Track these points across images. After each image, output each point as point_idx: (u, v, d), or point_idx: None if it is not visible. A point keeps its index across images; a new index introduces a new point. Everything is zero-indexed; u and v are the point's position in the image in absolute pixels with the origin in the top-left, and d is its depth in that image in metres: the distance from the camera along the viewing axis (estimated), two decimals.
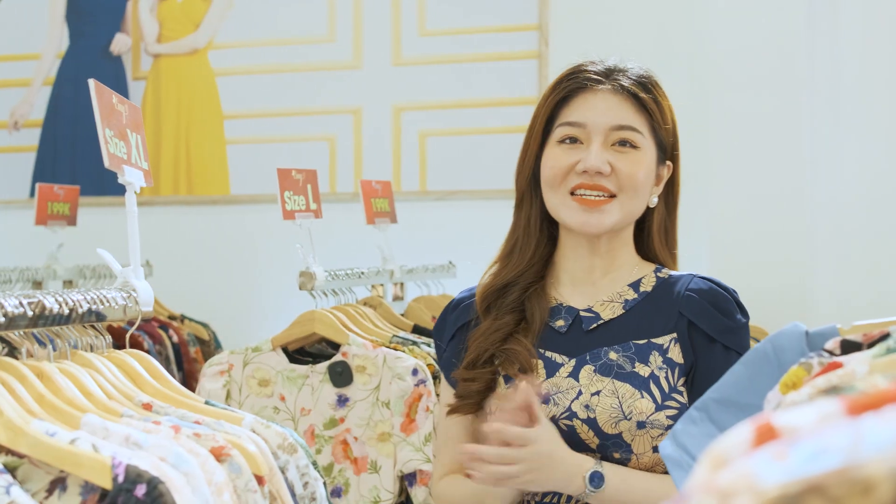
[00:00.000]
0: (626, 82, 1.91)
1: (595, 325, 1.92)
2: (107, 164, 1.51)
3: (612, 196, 1.89)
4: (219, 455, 1.29)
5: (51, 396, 1.31)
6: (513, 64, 4.19)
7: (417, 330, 2.96)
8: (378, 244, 3.23)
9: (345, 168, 4.33)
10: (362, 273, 2.98)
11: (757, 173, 3.86)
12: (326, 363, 2.63)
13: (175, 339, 3.58)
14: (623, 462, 1.85)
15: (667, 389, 1.84)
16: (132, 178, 1.57)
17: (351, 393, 2.61)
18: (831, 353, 1.20)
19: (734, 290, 1.91)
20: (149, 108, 4.54)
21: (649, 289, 1.94)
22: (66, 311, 1.39)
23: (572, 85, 1.94)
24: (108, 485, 1.15)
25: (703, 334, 1.86)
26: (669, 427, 1.82)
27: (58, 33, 4.64)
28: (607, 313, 1.93)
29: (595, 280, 1.97)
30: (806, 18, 3.86)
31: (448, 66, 4.26)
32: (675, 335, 1.87)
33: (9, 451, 1.23)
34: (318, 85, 4.39)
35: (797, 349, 1.31)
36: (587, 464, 1.80)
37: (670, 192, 2.01)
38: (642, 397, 1.82)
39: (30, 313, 1.32)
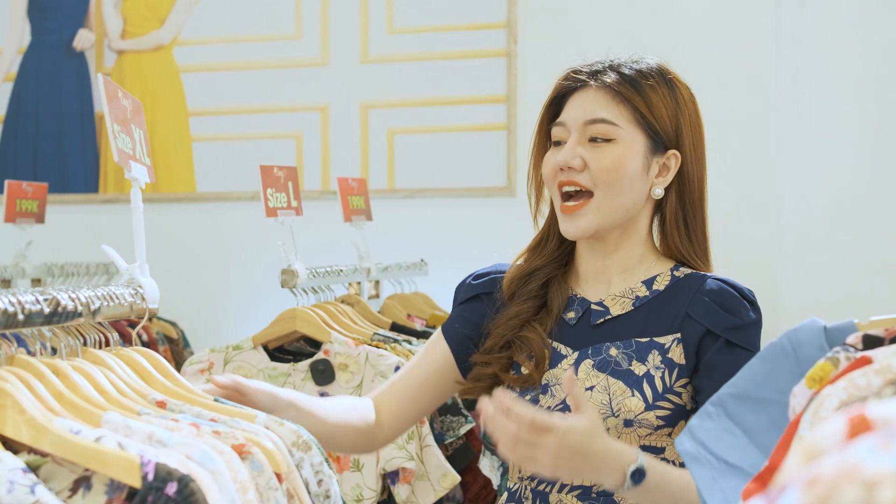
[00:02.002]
0: (609, 77, 1.90)
1: (602, 319, 1.92)
2: (116, 159, 1.49)
3: (591, 195, 1.88)
4: (240, 453, 1.28)
5: (70, 394, 1.29)
6: (481, 62, 4.19)
7: (396, 328, 2.96)
8: (354, 241, 3.22)
9: (312, 166, 4.31)
10: (341, 270, 2.97)
11: (725, 177, 3.89)
12: (308, 361, 2.62)
13: (144, 337, 3.54)
14: None
15: (660, 389, 1.82)
16: (138, 173, 1.55)
17: (333, 391, 2.60)
18: (854, 347, 1.21)
19: (749, 290, 1.88)
20: None
21: (662, 287, 1.92)
22: (79, 308, 1.37)
23: (563, 87, 1.96)
24: (137, 483, 1.14)
25: (707, 332, 1.83)
26: (659, 427, 1.81)
27: (19, 28, 4.57)
28: (616, 309, 1.92)
29: (609, 278, 1.96)
30: (773, 23, 3.90)
31: (416, 64, 4.25)
32: (678, 335, 1.85)
33: (31, 450, 1.21)
34: (284, 82, 4.37)
35: (815, 344, 1.32)
36: (628, 458, 1.63)
37: (683, 184, 1.96)
38: (633, 395, 1.82)
39: (46, 310, 1.30)
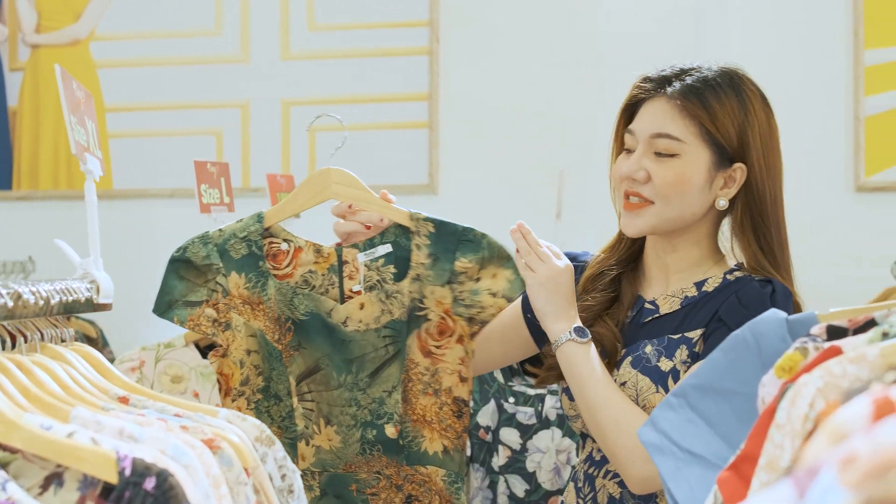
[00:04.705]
0: (676, 88, 1.93)
1: (650, 318, 1.96)
2: (73, 151, 1.47)
3: (652, 202, 1.92)
4: (210, 447, 1.26)
5: (36, 389, 1.26)
6: (403, 60, 4.19)
7: None
8: None
9: (233, 163, 4.26)
10: None
11: None
12: None
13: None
14: None
15: None
16: (93, 166, 1.53)
17: None
18: (819, 337, 1.24)
19: (782, 291, 1.86)
20: (27, 101, 4.40)
21: (711, 289, 1.93)
22: (41, 303, 1.34)
23: (637, 94, 1.99)
24: (113, 479, 1.12)
25: (722, 323, 1.83)
26: None
27: None
28: (665, 307, 1.95)
29: (668, 277, 1.99)
30: (695, 13, 3.97)
31: (338, 61, 4.24)
32: (704, 330, 1.86)
33: (0, 447, 1.18)
34: (204, 78, 4.32)
35: (777, 335, 1.35)
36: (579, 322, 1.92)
37: (750, 196, 1.93)
38: (657, 392, 1.85)
39: (10, 304, 1.27)
